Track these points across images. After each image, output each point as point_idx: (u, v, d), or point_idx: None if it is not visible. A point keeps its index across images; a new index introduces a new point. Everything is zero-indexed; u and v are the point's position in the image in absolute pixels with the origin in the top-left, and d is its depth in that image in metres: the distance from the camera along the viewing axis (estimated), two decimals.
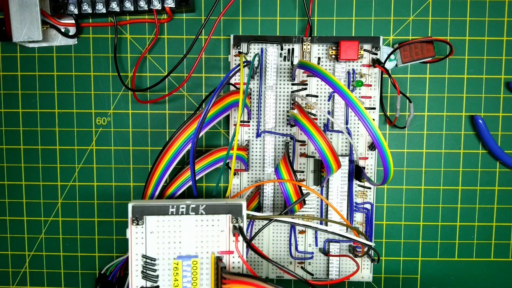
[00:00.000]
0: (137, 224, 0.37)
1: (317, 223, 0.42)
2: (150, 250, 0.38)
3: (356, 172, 0.45)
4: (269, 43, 0.45)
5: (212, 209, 0.38)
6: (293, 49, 0.46)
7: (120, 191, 0.48)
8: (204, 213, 0.38)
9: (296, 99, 0.45)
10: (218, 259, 0.38)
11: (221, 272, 0.36)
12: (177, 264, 0.37)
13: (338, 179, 0.45)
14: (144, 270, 0.37)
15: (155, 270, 0.38)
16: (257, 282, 0.32)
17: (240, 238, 0.37)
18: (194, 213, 0.38)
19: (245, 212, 0.38)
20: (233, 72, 0.39)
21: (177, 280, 0.37)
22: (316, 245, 0.47)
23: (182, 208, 0.37)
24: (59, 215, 0.49)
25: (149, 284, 0.38)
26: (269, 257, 0.47)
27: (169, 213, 0.37)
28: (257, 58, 0.44)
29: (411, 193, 0.48)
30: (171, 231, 0.38)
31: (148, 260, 0.37)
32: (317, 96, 0.46)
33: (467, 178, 0.48)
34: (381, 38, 0.45)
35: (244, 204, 0.38)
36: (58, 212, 0.49)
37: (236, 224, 0.38)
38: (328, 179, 0.45)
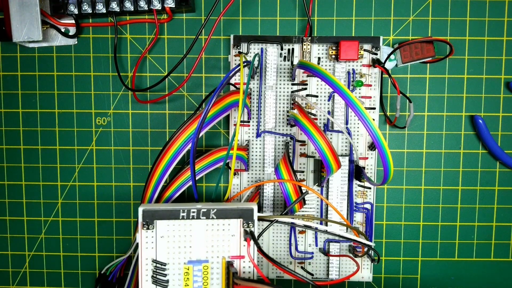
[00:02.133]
0: (148, 228, 0.37)
1: (317, 223, 0.42)
2: (160, 255, 0.37)
3: (356, 172, 0.45)
4: (269, 43, 0.45)
5: (223, 213, 0.37)
6: (293, 49, 0.46)
7: (120, 191, 0.48)
8: (215, 217, 0.37)
9: (296, 99, 0.45)
10: (229, 264, 0.37)
11: (232, 277, 0.36)
12: (188, 269, 0.37)
13: (338, 179, 0.45)
14: (154, 275, 0.37)
15: (165, 275, 0.37)
16: None
17: (252, 242, 0.37)
18: (205, 218, 0.37)
19: (256, 216, 0.37)
20: (233, 72, 0.39)
21: (188, 285, 0.37)
22: (316, 245, 0.47)
23: (193, 212, 0.37)
24: (59, 215, 0.49)
25: None
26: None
27: (180, 218, 0.37)
28: (257, 58, 0.44)
29: (411, 193, 0.48)
30: (181, 235, 0.37)
31: (158, 265, 0.37)
32: (317, 96, 0.46)
33: (467, 178, 0.48)
34: (381, 38, 0.45)
35: (255, 208, 0.38)
36: (58, 212, 0.49)
37: (248, 229, 0.37)
38: (328, 179, 0.45)
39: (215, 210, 0.37)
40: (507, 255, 0.48)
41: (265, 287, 0.32)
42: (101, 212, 0.49)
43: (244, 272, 0.38)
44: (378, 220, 0.48)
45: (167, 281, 0.37)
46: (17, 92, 0.48)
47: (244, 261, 0.38)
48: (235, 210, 0.37)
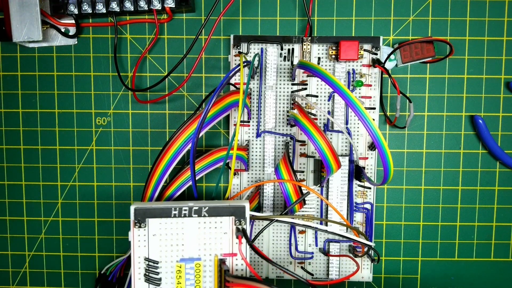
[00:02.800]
0: (139, 226, 0.37)
1: (317, 223, 0.42)
2: (152, 253, 0.37)
3: (356, 172, 0.45)
4: (269, 43, 0.45)
5: (215, 211, 0.37)
6: (293, 49, 0.46)
7: (120, 191, 0.48)
8: (207, 215, 0.37)
9: (296, 99, 0.45)
10: (221, 262, 0.37)
11: (224, 275, 0.36)
12: (180, 267, 0.37)
13: (338, 179, 0.45)
14: (147, 273, 0.37)
15: (158, 273, 0.37)
16: (260, 286, 0.32)
17: (244, 240, 0.37)
18: (196, 215, 0.37)
19: (248, 214, 0.38)
20: (233, 72, 0.39)
21: (180, 283, 0.37)
22: (316, 245, 0.47)
23: (185, 210, 0.37)
24: (59, 215, 0.49)
25: (152, 287, 0.38)
26: (269, 257, 0.47)
27: (172, 216, 0.37)
28: (257, 58, 0.44)
29: (411, 193, 0.48)
30: (173, 233, 0.38)
31: (150, 263, 0.37)
32: (317, 96, 0.46)
33: (467, 178, 0.48)
34: (381, 38, 0.45)
35: (247, 206, 0.38)
36: (58, 212, 0.49)
37: (239, 226, 0.37)
38: (328, 179, 0.45)
39: (207, 208, 0.37)
40: (507, 255, 0.48)
41: (257, 284, 0.32)
42: (101, 212, 0.49)
43: (236, 270, 0.38)
44: (378, 220, 0.48)
45: (160, 279, 0.37)
46: (17, 92, 0.48)
47: (236, 259, 0.38)
48: (226, 208, 0.37)
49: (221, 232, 0.38)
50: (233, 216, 0.37)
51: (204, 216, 0.37)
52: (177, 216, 0.37)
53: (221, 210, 0.37)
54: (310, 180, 0.46)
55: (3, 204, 0.49)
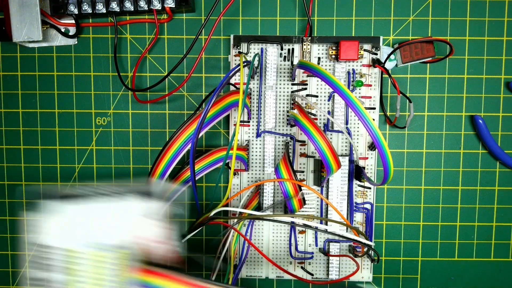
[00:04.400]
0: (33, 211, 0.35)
1: (317, 222, 0.42)
2: (61, 240, 0.34)
3: (356, 172, 0.45)
4: (269, 43, 0.45)
5: (124, 194, 0.35)
6: (293, 49, 0.46)
7: None
8: (116, 199, 0.35)
9: (296, 99, 0.45)
10: (139, 248, 0.35)
11: (141, 262, 0.34)
12: (96, 256, 0.34)
13: (338, 179, 0.45)
14: (44, 262, 0.34)
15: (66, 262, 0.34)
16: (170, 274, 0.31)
17: (158, 223, 0.35)
18: (106, 199, 0.35)
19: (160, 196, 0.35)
20: (233, 72, 0.39)
21: (98, 272, 0.34)
22: (316, 245, 0.47)
23: (92, 193, 0.35)
24: None
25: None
26: (269, 257, 0.47)
27: (81, 200, 0.35)
28: (257, 58, 0.44)
29: (411, 193, 0.48)
30: (84, 219, 0.35)
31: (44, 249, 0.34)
32: (317, 96, 0.46)
33: (467, 178, 0.48)
34: (381, 38, 0.45)
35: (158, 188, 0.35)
36: None
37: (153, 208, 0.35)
38: (328, 179, 0.45)
39: (116, 190, 0.35)
40: (507, 255, 0.48)
41: (169, 273, 0.31)
42: None
43: (155, 255, 0.35)
44: (378, 220, 0.48)
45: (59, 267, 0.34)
46: (17, 92, 0.48)
47: (153, 244, 0.35)
48: (134, 191, 0.35)
49: (133, 216, 0.35)
50: (144, 198, 0.35)
51: (114, 200, 0.35)
52: (86, 200, 0.35)
53: (130, 193, 0.35)
54: (310, 180, 0.46)
55: (3, 203, 0.49)
